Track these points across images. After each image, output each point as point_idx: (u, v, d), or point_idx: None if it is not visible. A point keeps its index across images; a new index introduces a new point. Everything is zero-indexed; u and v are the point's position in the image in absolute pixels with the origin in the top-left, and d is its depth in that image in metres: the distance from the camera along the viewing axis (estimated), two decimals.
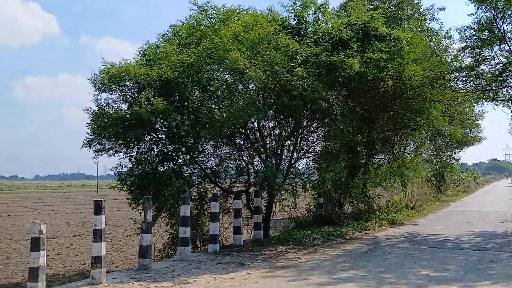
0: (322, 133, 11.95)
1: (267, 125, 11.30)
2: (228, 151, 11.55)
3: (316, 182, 12.71)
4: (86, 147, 9.67)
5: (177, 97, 9.95)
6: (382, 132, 13.75)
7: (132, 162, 10.16)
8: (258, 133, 10.97)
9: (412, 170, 15.78)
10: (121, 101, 10.15)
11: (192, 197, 9.94)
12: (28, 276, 5.50)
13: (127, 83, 9.92)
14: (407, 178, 16.28)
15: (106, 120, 9.38)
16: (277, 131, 11.13)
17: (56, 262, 12.20)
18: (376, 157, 15.48)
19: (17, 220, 23.51)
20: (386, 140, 14.38)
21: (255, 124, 10.83)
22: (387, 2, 15.11)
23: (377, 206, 14.76)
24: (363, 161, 13.95)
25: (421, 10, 16.12)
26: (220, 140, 10.92)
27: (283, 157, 11.17)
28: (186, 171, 11.00)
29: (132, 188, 10.22)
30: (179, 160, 10.85)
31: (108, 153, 10.03)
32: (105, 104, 10.01)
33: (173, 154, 10.57)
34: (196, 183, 11.08)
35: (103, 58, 10.33)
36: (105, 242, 6.37)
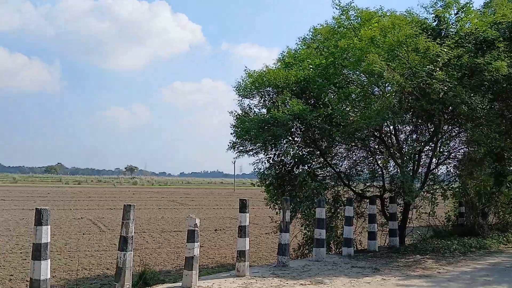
0: (465, 138, 11.25)
1: (403, 129, 11.04)
2: (362, 154, 11.54)
3: (457, 190, 12.00)
4: (230, 149, 10.58)
5: (313, 100, 10.32)
6: None
7: (270, 163, 10.78)
8: (393, 137, 10.79)
9: None
10: (261, 106, 10.92)
11: (327, 200, 10.17)
12: (184, 264, 6.26)
13: (267, 88, 10.62)
14: None
15: (247, 123, 10.14)
16: (414, 136, 10.81)
17: (200, 254, 13.41)
18: None
19: (166, 213, 26.19)
20: None
21: (391, 127, 10.67)
22: None
23: None
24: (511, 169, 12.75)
25: None
26: (353, 144, 10.97)
27: (421, 163, 10.80)
28: (320, 173, 11.28)
29: (270, 188, 10.86)
30: (313, 163, 11.20)
31: (249, 153, 10.81)
32: (248, 108, 10.89)
33: (308, 156, 10.94)
34: (330, 186, 11.29)
35: (246, 67, 11.16)
36: (248, 238, 6.95)
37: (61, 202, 31.53)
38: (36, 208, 4.75)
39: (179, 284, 6.26)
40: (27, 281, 9.04)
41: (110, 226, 18.86)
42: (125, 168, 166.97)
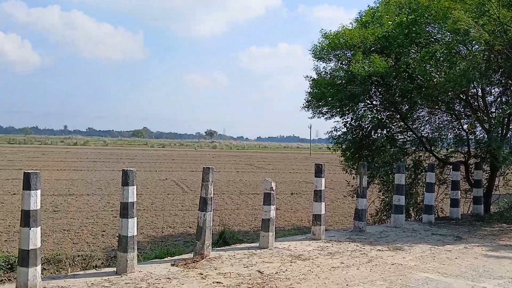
0: None
1: (492, 90, 10.26)
2: (445, 118, 10.93)
3: None
4: (305, 108, 10.53)
5: (393, 60, 9.82)
6: None
7: (346, 128, 10.58)
8: (481, 100, 10.07)
9: None
10: (337, 69, 10.63)
11: (406, 166, 9.84)
12: (261, 226, 6.43)
13: (343, 50, 10.28)
14: None
15: (323, 86, 9.95)
16: (503, 98, 10.00)
17: (276, 216, 13.71)
18: None
19: (244, 176, 26.92)
20: None
21: (478, 89, 9.96)
22: None
23: None
24: None
25: None
26: (437, 107, 10.40)
27: (510, 127, 10.02)
28: (399, 138, 10.89)
29: (346, 153, 10.69)
30: (393, 127, 10.82)
31: (325, 116, 10.68)
32: (323, 72, 10.65)
33: (387, 121, 10.57)
34: (410, 151, 10.88)
35: (322, 29, 10.88)
36: (324, 202, 6.97)
37: (147, 164, 33.51)
38: (122, 170, 5.06)
39: (256, 244, 6.46)
40: (117, 236, 9.85)
41: (192, 187, 19.78)
42: (205, 133, 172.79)
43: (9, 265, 7.14)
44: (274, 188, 6.31)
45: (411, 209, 10.33)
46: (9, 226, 10.71)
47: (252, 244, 6.63)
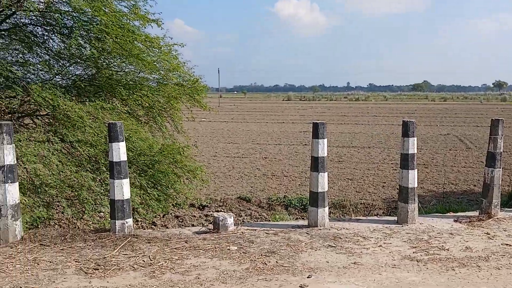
0: None
1: None
2: None
3: None
4: None
5: None
6: None
7: None
8: None
9: None
10: None
11: None
12: None
13: None
14: None
15: None
16: None
17: None
18: None
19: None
20: None
21: None
22: None
23: None
24: None
25: None
26: None
27: None
28: None
29: None
30: None
31: None
32: None
33: None
34: None
35: None
36: None
37: (427, 119, 32.29)
38: (402, 121, 5.07)
39: None
40: (397, 188, 9.99)
41: (477, 144, 18.11)
42: (492, 84, 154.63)
43: (302, 206, 8.24)
44: None
45: None
46: (301, 172, 12.22)
47: None
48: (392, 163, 13.51)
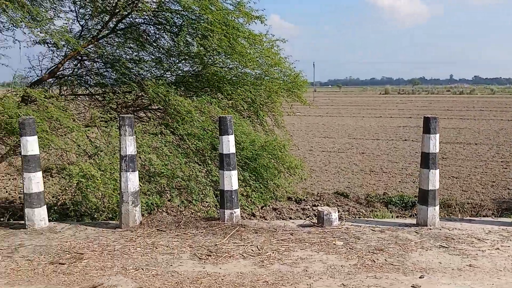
0: None
1: None
2: None
3: None
4: None
5: None
6: None
7: None
8: None
9: None
10: None
11: None
12: None
13: None
14: None
15: None
16: None
17: None
18: None
19: None
20: None
21: None
22: None
23: None
24: None
25: None
26: None
27: None
28: None
29: None
30: None
31: None
32: None
33: None
34: None
35: None
36: None
37: None
38: None
39: None
40: (508, 188, 9.22)
41: None
42: None
43: (404, 204, 7.94)
44: None
45: None
46: (402, 168, 11.74)
47: None
48: (502, 161, 12.49)
